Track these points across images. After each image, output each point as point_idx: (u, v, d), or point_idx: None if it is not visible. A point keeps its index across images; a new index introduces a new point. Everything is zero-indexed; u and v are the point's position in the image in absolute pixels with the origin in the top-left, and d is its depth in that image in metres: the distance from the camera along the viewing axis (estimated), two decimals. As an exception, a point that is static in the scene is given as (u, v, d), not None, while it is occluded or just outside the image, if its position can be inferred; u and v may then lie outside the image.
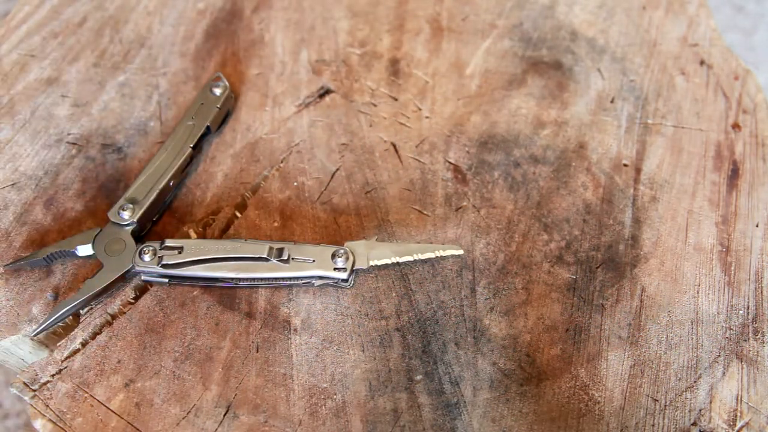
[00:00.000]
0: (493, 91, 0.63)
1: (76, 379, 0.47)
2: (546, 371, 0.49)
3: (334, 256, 0.50)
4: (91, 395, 0.46)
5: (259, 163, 0.58)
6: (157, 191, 0.53)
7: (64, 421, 0.45)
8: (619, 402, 0.48)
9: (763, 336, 0.51)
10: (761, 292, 0.53)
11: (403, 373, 0.48)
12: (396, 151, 0.59)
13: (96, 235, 0.51)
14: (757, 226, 0.56)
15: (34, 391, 0.47)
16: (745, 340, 0.50)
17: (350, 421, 0.46)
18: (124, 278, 0.50)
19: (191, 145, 0.56)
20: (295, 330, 0.50)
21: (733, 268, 0.54)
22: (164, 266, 0.49)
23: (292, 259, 0.50)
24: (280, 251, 0.50)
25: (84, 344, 0.49)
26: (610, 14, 0.70)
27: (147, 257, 0.49)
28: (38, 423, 0.45)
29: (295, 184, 0.57)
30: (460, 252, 0.52)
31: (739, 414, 0.48)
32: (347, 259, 0.50)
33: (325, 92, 0.63)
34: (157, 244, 0.50)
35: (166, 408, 0.46)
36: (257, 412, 0.46)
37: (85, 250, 0.50)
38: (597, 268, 0.53)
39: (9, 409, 1.04)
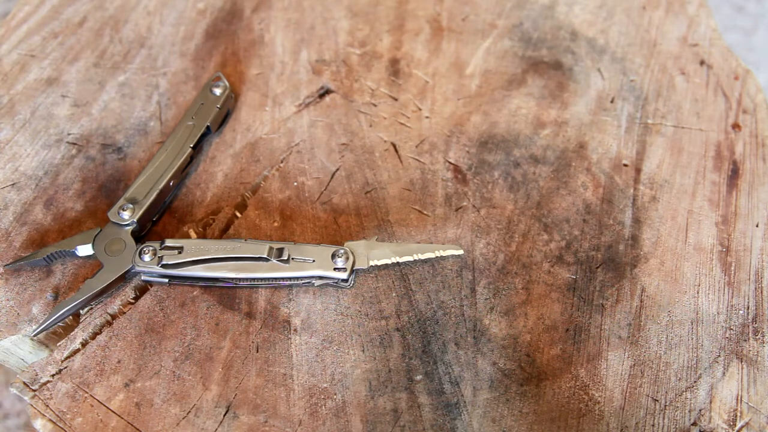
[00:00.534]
0: (493, 91, 0.63)
1: (76, 379, 0.47)
2: (546, 371, 0.49)
3: (334, 256, 0.50)
4: (91, 395, 0.46)
5: (259, 163, 0.58)
6: (157, 191, 0.53)
7: (64, 421, 0.45)
8: (619, 402, 0.48)
9: (763, 336, 0.51)
10: (761, 292, 0.53)
11: (403, 373, 0.48)
12: (396, 151, 0.59)
13: (96, 235, 0.51)
14: (757, 226, 0.56)
15: (34, 391, 0.47)
16: (745, 340, 0.50)
17: (350, 421, 0.46)
18: (124, 278, 0.50)
19: (191, 145, 0.56)
20: (295, 330, 0.50)
21: (733, 268, 0.54)
22: (164, 266, 0.49)
23: (292, 259, 0.50)
24: (280, 251, 0.50)
25: (84, 344, 0.49)
26: (610, 14, 0.70)
27: (147, 257, 0.49)
28: (38, 423, 0.45)
29: (295, 184, 0.57)
30: (460, 252, 0.52)
31: (739, 414, 0.48)
32: (347, 259, 0.50)
33: (325, 92, 0.63)
34: (157, 244, 0.50)
35: (166, 408, 0.46)
36: (257, 412, 0.46)
37: (85, 250, 0.50)
38: (597, 268, 0.53)
39: (9, 409, 1.04)
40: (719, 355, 0.50)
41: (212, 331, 0.49)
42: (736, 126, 0.62)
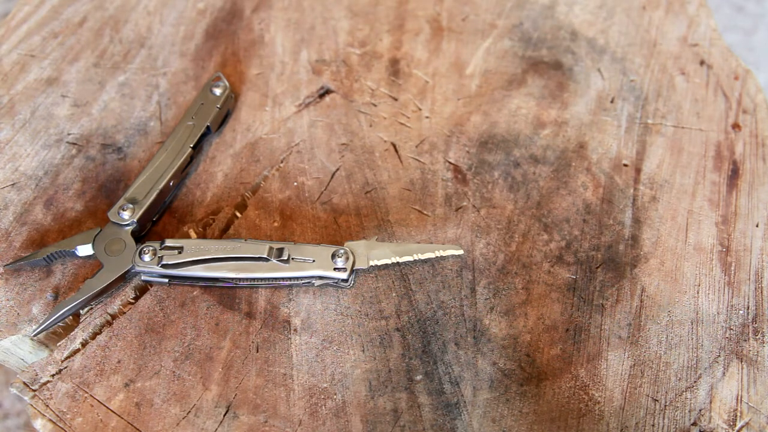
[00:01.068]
0: (493, 91, 0.63)
1: (76, 379, 0.47)
2: (546, 371, 0.49)
3: (334, 256, 0.50)
4: (91, 395, 0.46)
5: (259, 163, 0.58)
6: (157, 191, 0.53)
7: (64, 421, 0.45)
8: (619, 402, 0.48)
9: (763, 336, 0.51)
10: (761, 292, 0.53)
11: (403, 373, 0.48)
12: (396, 151, 0.59)
13: (96, 235, 0.51)
14: (757, 226, 0.56)
15: (34, 391, 0.47)
16: (745, 340, 0.50)
17: (350, 421, 0.46)
18: (124, 278, 0.50)
19: (191, 145, 0.56)
20: (295, 330, 0.50)
21: (733, 268, 0.54)
22: (164, 266, 0.49)
23: (292, 259, 0.50)
24: (280, 251, 0.50)
25: (84, 344, 0.49)
26: (610, 14, 0.70)
27: (147, 257, 0.49)
28: (38, 423, 0.45)
29: (295, 184, 0.57)
30: (460, 252, 0.52)
31: (739, 414, 0.48)
32: (347, 259, 0.50)
33: (325, 92, 0.63)
34: (157, 244, 0.50)
35: (166, 408, 0.46)
36: (257, 412, 0.46)
37: (85, 250, 0.50)
38: (597, 268, 0.53)
39: (9, 409, 1.04)
40: (719, 355, 0.50)
41: (212, 331, 0.49)
42: (736, 126, 0.62)
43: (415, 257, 0.52)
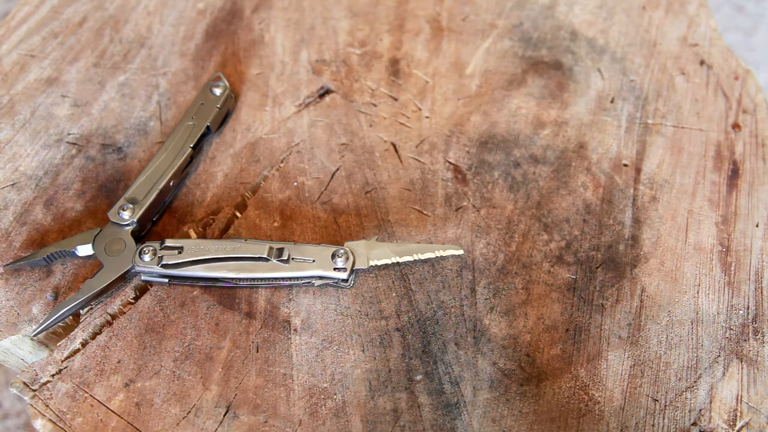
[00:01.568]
0: (493, 91, 0.63)
1: (76, 379, 0.47)
2: (546, 371, 0.49)
3: (334, 256, 0.50)
4: (91, 395, 0.46)
5: (259, 163, 0.58)
6: (157, 191, 0.53)
7: (64, 421, 0.45)
8: (619, 402, 0.48)
9: (763, 336, 0.51)
10: (761, 292, 0.53)
11: (403, 373, 0.48)
12: (396, 151, 0.59)
13: (96, 235, 0.51)
14: (757, 226, 0.56)
15: (34, 391, 0.47)
16: (745, 340, 0.50)
17: (350, 421, 0.46)
18: (124, 278, 0.50)
19: (191, 145, 0.56)
20: (295, 330, 0.50)
21: (733, 268, 0.54)
22: (164, 266, 0.49)
23: (292, 259, 0.50)
24: (280, 251, 0.50)
25: (84, 344, 0.49)
26: (610, 14, 0.70)
27: (147, 257, 0.49)
28: (38, 423, 0.45)
29: (295, 184, 0.57)
30: (460, 252, 0.52)
31: (739, 414, 0.48)
32: (347, 259, 0.50)
33: (325, 92, 0.63)
34: (157, 244, 0.50)
35: (166, 408, 0.46)
36: (257, 412, 0.46)
37: (85, 250, 0.50)
38: (597, 268, 0.53)
39: (9, 409, 1.04)
40: (719, 355, 0.50)
41: (212, 331, 0.49)
42: (736, 126, 0.62)
43: (415, 257, 0.52)
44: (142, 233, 0.53)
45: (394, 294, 0.51)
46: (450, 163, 0.58)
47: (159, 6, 0.68)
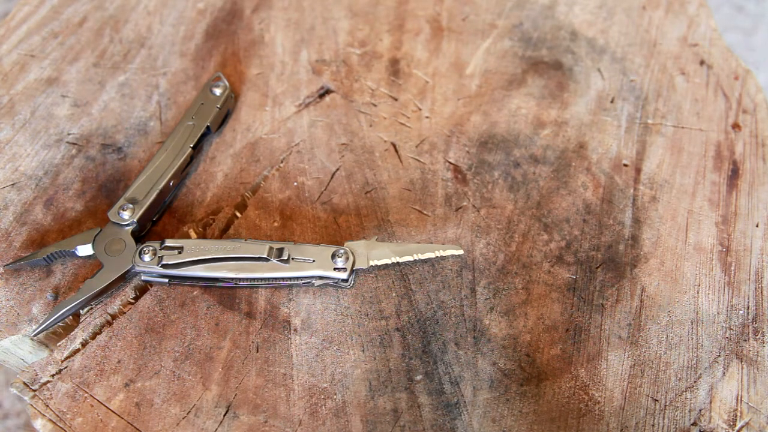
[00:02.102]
0: (493, 91, 0.63)
1: (76, 379, 0.47)
2: (546, 371, 0.49)
3: (334, 256, 0.50)
4: (91, 395, 0.46)
5: (259, 163, 0.58)
6: (157, 191, 0.53)
7: (64, 421, 0.45)
8: (619, 402, 0.48)
9: (763, 336, 0.51)
10: (761, 292, 0.53)
11: (403, 373, 0.48)
12: (396, 151, 0.59)
13: (96, 235, 0.51)
14: (757, 226, 0.56)
15: (34, 391, 0.47)
16: (745, 340, 0.50)
17: (350, 421, 0.46)
18: (124, 278, 0.50)
19: (191, 145, 0.56)
20: (295, 330, 0.50)
21: (733, 268, 0.54)
22: (164, 266, 0.49)
23: (292, 259, 0.50)
24: (280, 251, 0.50)
25: (84, 344, 0.49)
26: (610, 14, 0.70)
27: (147, 257, 0.49)
28: (38, 423, 0.45)
29: (295, 184, 0.57)
30: (460, 252, 0.52)
31: (739, 414, 0.48)
32: (347, 259, 0.50)
33: (325, 92, 0.63)
34: (157, 244, 0.50)
35: (166, 408, 0.46)
36: (257, 412, 0.46)
37: (85, 250, 0.50)
38: (597, 268, 0.53)
39: (9, 409, 1.04)
40: (719, 355, 0.50)
41: (212, 331, 0.49)
42: (736, 126, 0.62)
43: (415, 257, 0.52)
44: (142, 233, 0.53)
45: (394, 294, 0.51)
46: (450, 163, 0.58)
47: (159, 6, 0.68)
